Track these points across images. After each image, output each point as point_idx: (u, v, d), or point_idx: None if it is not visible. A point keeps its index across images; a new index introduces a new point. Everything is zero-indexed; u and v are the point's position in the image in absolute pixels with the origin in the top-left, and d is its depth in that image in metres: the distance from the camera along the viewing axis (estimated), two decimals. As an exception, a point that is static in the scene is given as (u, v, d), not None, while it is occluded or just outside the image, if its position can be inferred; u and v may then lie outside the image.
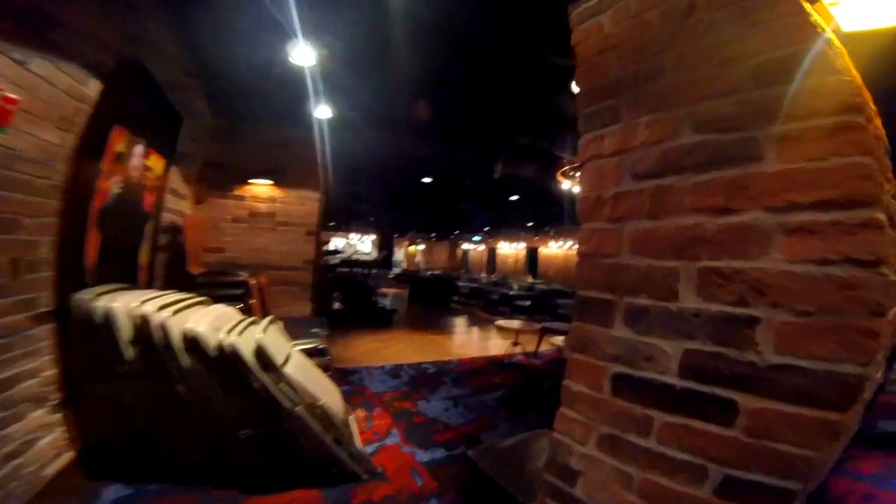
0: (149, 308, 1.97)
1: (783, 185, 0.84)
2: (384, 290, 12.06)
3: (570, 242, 16.51)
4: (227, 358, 1.92)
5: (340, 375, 4.31)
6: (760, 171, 0.88)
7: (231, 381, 1.98)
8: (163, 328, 1.92)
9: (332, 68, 3.51)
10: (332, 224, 16.56)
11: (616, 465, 1.04)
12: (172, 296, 2.18)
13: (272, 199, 4.36)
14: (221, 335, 1.93)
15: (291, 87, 3.69)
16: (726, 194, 0.92)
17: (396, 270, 19.70)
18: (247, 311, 3.03)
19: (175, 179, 3.51)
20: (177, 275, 3.49)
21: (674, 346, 0.97)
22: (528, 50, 3.37)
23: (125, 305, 1.97)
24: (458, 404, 3.75)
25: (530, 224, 14.44)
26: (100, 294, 2.02)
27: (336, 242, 20.21)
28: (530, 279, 13.93)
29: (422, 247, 24.65)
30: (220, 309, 2.26)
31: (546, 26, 3.00)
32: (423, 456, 2.73)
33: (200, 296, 2.38)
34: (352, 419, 2.96)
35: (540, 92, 4.23)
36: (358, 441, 2.69)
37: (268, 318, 2.35)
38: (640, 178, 1.10)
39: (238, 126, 4.33)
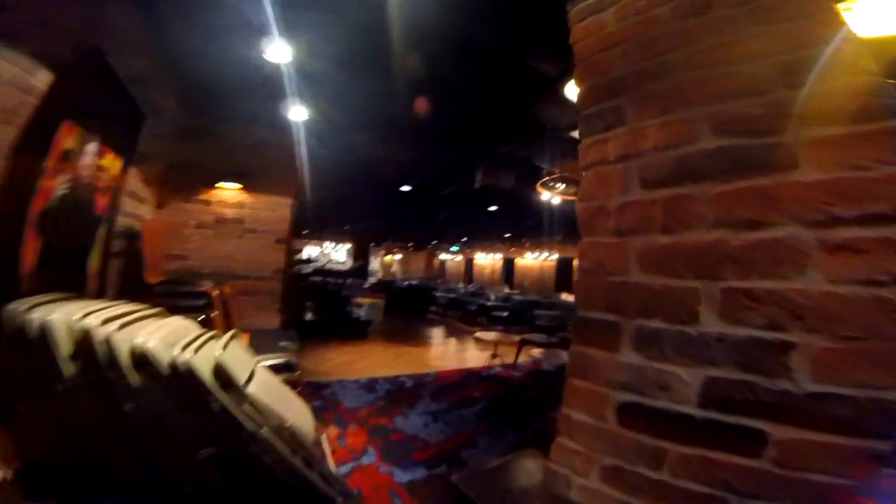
0: (92, 321, 1.75)
1: (823, 196, 0.76)
2: (359, 299, 11.77)
3: (545, 254, 16.68)
4: (182, 377, 1.72)
5: (312, 390, 4.09)
6: (795, 181, 0.79)
7: (187, 401, 1.78)
8: (107, 343, 1.71)
9: (307, 68, 3.37)
10: (305, 232, 16.17)
11: (622, 499, 0.93)
12: (122, 307, 1.97)
13: (240, 205, 4.13)
14: (175, 351, 1.73)
15: (265, 87, 3.53)
16: (755, 206, 0.83)
17: (372, 280, 19.38)
18: (208, 324, 2.80)
19: (134, 181, 3.26)
20: (133, 284, 3.22)
21: (693, 374, 0.87)
22: (511, 56, 3.33)
23: (65, 318, 1.75)
24: (438, 419, 3.59)
25: (507, 235, 14.48)
26: (36, 305, 1.79)
27: (309, 251, 19.76)
28: (507, 289, 13.93)
29: (398, 256, 24.42)
30: (176, 322, 2.05)
31: (532, 31, 2.96)
32: (402, 476, 2.57)
33: (159, 306, 2.16)
34: (324, 437, 2.77)
35: (521, 100, 4.20)
36: (331, 461, 2.50)
37: (230, 333, 2.16)
38: (651, 186, 1.00)
39: (207, 126, 4.10)
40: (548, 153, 4.81)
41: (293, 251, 7.24)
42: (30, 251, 2.04)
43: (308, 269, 7.52)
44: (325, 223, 13.29)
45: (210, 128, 4.10)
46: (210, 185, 4.03)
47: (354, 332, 6.85)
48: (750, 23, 0.87)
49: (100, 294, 2.88)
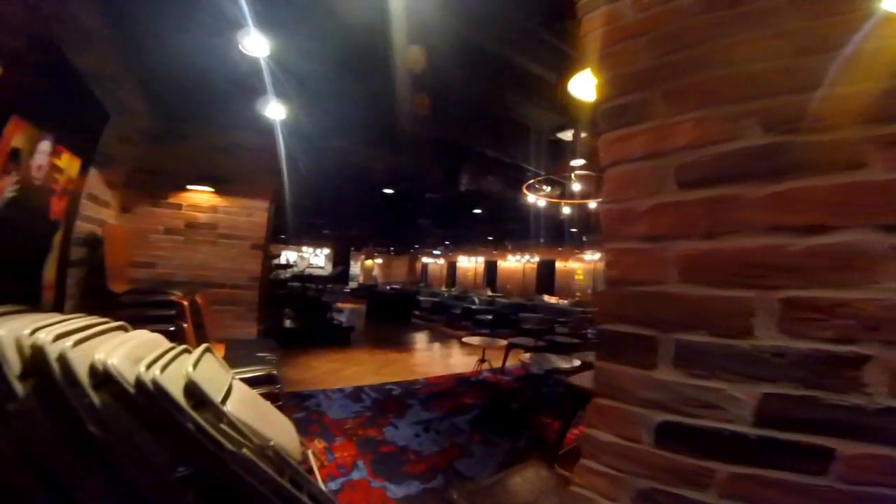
0: (43, 336, 1.55)
1: (896, 198, 0.68)
2: (340, 304, 11.51)
3: (527, 256, 16.74)
4: (151, 396, 1.54)
5: (294, 401, 3.89)
6: (863, 181, 0.71)
7: (158, 422, 1.59)
8: (61, 361, 1.51)
9: (286, 65, 3.20)
10: (282, 237, 15.76)
11: (659, 523, 0.82)
12: (79, 320, 1.76)
13: (213, 209, 3.89)
14: (141, 368, 1.55)
15: (241, 85, 3.33)
16: (815, 208, 0.75)
17: (353, 284, 19.06)
18: (179, 336, 2.59)
19: (95, 184, 3.01)
20: (97, 294, 2.96)
21: (746, 391, 0.77)
22: (499, 57, 3.25)
23: (13, 333, 1.54)
24: (429, 429, 3.45)
25: (490, 238, 14.45)
26: (-21, 320, 1.57)
27: (288, 256, 19.30)
28: (489, 292, 13.89)
29: (379, 261, 24.13)
30: (143, 336, 1.86)
31: (520, 31, 2.89)
32: (397, 491, 2.43)
33: (125, 318, 1.96)
34: (310, 453, 2.59)
35: (508, 103, 4.14)
36: (319, 478, 2.33)
37: (202, 347, 1.97)
38: (688, 186, 0.89)
39: (179, 128, 3.87)
40: (533, 155, 4.76)
41: (271, 257, 6.98)
42: (-28, 260, 1.82)
43: (286, 274, 7.25)
44: (305, 228, 12.97)
45: (181, 129, 3.87)
46: (181, 187, 3.78)
47: (337, 339, 6.63)
48: (796, 12, 0.79)
49: (57, 306, 2.63)
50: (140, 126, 3.56)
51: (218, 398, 1.67)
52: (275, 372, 2.80)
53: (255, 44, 2.66)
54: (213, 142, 3.96)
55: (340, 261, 17.50)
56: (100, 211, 3.11)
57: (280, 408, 2.80)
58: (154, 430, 1.61)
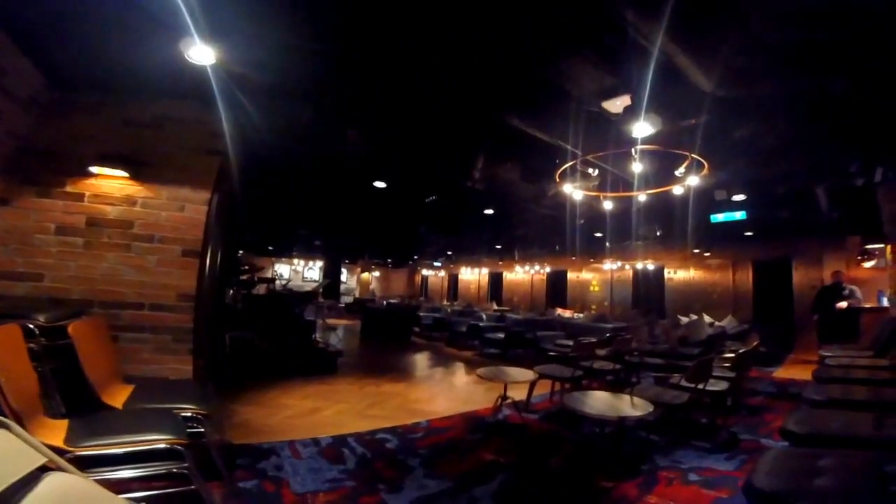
0: None
1: None
2: (334, 321, 10.33)
3: (536, 267, 15.59)
4: None
5: (245, 461, 2.73)
6: None
7: None
8: None
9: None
10: (270, 248, 14.63)
11: None
12: None
13: (129, 200, 2.77)
14: None
15: (161, 27, 2.29)
16: None
17: (348, 299, 17.86)
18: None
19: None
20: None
21: None
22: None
23: None
24: (437, 514, 2.29)
25: (498, 246, 13.32)
26: None
27: (280, 270, 18.15)
28: (495, 306, 12.71)
29: (376, 273, 22.99)
30: None
31: None
32: None
33: None
34: None
35: (541, 53, 3.04)
36: None
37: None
38: None
39: (85, 98, 2.80)
40: (571, 130, 3.68)
41: (238, 266, 5.84)
42: None
43: (260, 289, 6.12)
44: (291, 237, 11.86)
45: (91, 99, 2.81)
46: (82, 172, 2.69)
47: (320, 366, 5.46)
48: None
49: None
50: (26, 96, 2.50)
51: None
52: (182, 441, 1.66)
53: None
54: (136, 114, 2.88)
55: (329, 273, 16.31)
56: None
57: (194, 493, 1.67)
58: None
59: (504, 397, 3.79)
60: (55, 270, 2.60)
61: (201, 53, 2.47)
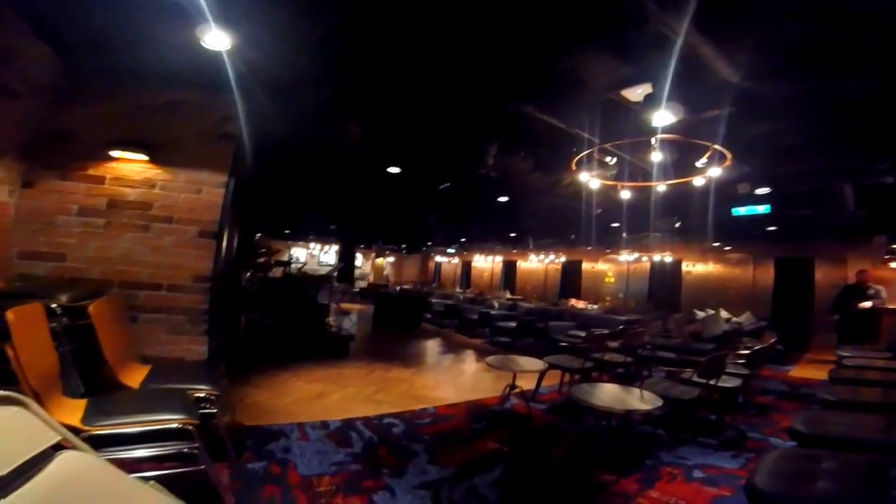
0: None
1: None
2: (348, 305, 10.48)
3: (551, 256, 15.46)
4: None
5: (253, 442, 2.82)
6: None
7: None
8: None
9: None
10: (287, 232, 14.84)
11: None
12: None
13: (148, 183, 2.83)
14: None
15: (178, 16, 2.29)
16: None
17: (362, 284, 18.06)
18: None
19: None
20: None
21: None
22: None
23: None
24: (440, 496, 2.34)
25: (513, 235, 13.22)
26: None
27: (297, 253, 18.38)
28: (508, 295, 12.69)
29: (391, 259, 23.12)
30: None
31: None
32: None
33: None
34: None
35: (554, 45, 2.96)
36: None
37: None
38: None
39: (101, 82, 2.85)
40: (586, 119, 3.59)
41: (256, 251, 5.94)
42: None
43: (276, 272, 6.21)
44: (307, 221, 11.98)
45: (107, 84, 2.86)
46: (103, 156, 2.75)
47: (333, 350, 5.57)
48: None
49: None
50: (40, 80, 2.55)
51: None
52: (193, 422, 1.72)
53: None
54: (151, 99, 2.92)
55: (344, 258, 16.48)
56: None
57: (202, 473, 1.73)
58: None
59: (512, 386, 3.81)
60: (77, 251, 2.69)
61: (217, 39, 2.48)
